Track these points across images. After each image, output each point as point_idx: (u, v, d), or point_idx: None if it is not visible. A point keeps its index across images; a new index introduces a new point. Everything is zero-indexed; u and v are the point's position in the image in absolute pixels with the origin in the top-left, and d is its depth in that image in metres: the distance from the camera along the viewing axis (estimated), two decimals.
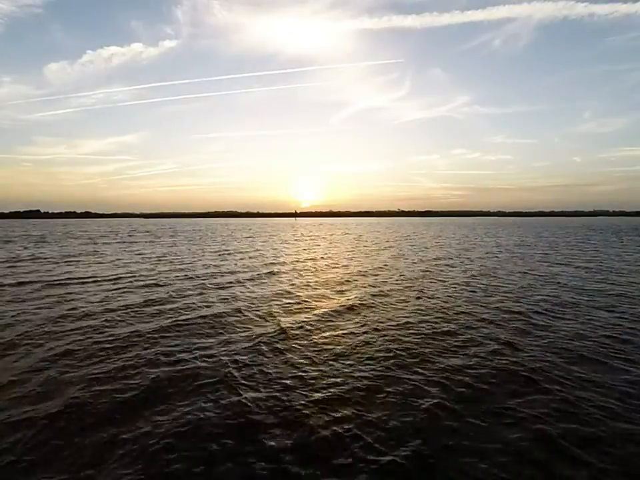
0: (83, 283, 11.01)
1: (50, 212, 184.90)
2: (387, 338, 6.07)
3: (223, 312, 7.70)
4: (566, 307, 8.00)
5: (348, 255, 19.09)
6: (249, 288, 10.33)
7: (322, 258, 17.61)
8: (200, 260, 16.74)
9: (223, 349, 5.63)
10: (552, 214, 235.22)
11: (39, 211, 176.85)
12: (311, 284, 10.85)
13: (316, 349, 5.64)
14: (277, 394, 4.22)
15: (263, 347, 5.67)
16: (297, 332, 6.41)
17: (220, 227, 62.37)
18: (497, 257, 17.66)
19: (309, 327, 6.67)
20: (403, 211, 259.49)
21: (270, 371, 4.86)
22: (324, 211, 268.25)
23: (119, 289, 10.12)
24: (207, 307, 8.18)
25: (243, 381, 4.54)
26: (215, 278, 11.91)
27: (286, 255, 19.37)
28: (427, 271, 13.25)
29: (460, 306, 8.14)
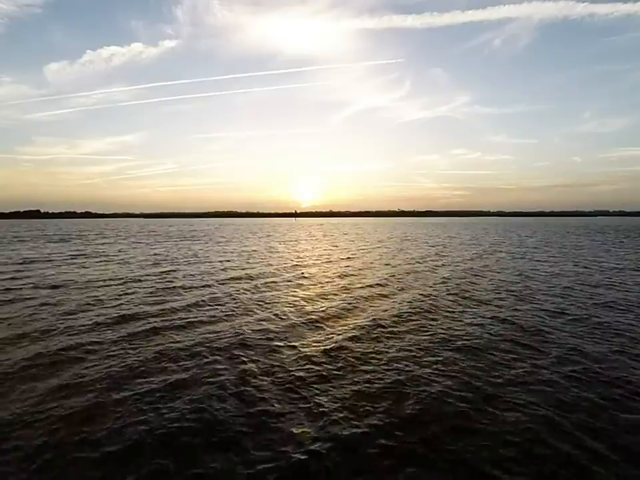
0: (98, 286, 10.92)
1: (50, 212, 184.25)
2: (447, 344, 6.02)
3: (268, 317, 7.64)
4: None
5: (371, 256, 19.01)
6: (290, 292, 10.27)
7: (349, 258, 17.53)
8: (227, 261, 16.65)
9: (276, 361, 5.53)
10: (552, 214, 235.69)
11: (39, 211, 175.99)
12: (353, 287, 10.77)
13: (379, 360, 5.50)
14: (353, 406, 4.16)
15: (320, 357, 5.57)
16: (351, 341, 6.28)
17: (227, 227, 62.17)
18: (521, 258, 17.63)
19: (362, 336, 6.50)
20: (403, 211, 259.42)
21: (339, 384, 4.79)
22: (324, 210, 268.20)
23: (149, 292, 10.04)
24: (251, 314, 8.09)
25: (307, 393, 4.46)
26: (253, 280, 11.84)
27: (311, 255, 19.28)
28: (463, 273, 13.20)
29: (517, 312, 8.10)
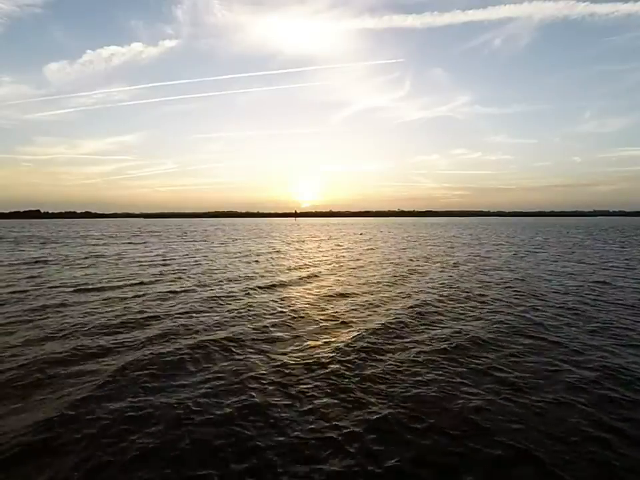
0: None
1: (50, 212, 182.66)
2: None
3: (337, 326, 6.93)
4: None
5: (412, 257, 18.34)
6: (356, 293, 9.55)
7: (391, 261, 16.84)
8: (271, 265, 15.93)
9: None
10: (552, 214, 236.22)
11: (39, 210, 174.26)
12: (421, 291, 10.07)
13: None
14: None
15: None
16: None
17: (234, 227, 61.41)
18: (555, 260, 17.02)
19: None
20: (403, 211, 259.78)
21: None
22: (324, 210, 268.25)
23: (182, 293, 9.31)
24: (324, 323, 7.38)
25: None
26: (310, 283, 11.13)
27: (352, 256, 18.57)
28: (521, 275, 12.54)
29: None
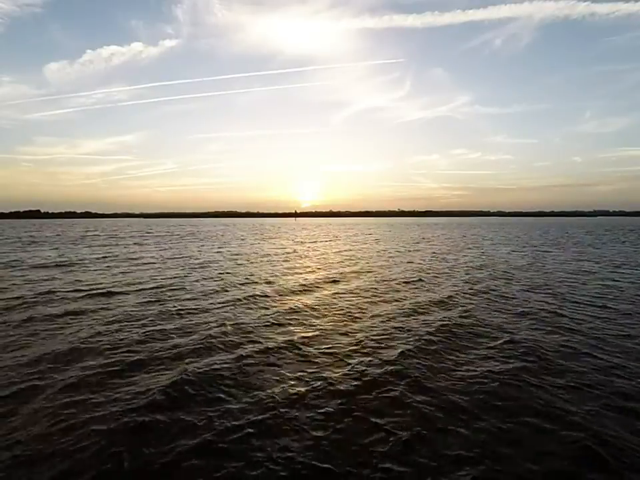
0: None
1: (50, 212, 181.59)
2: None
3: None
4: None
5: (459, 259, 18.44)
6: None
7: (447, 266, 16.92)
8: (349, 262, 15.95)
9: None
10: (552, 214, 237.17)
11: (39, 210, 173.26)
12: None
13: None
14: None
15: None
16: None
17: (249, 227, 61.31)
18: (596, 262, 17.17)
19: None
20: (403, 211, 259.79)
21: None
22: (324, 210, 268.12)
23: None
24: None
25: None
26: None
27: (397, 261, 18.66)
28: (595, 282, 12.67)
29: None
